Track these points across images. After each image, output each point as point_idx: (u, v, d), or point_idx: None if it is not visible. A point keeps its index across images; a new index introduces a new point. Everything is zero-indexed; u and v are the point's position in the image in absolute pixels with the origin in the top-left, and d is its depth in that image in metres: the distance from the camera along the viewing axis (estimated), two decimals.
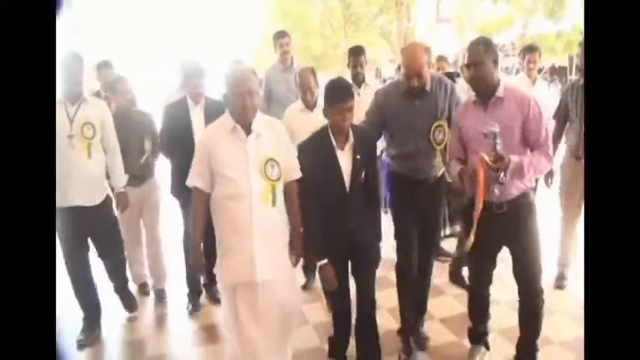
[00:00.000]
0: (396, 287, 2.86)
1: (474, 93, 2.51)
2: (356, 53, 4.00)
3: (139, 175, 3.61)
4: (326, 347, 2.82)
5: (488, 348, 2.77)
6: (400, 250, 2.79)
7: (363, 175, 2.44)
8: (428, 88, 2.65)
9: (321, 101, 3.23)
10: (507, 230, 2.43)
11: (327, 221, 2.38)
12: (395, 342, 2.97)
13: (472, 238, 2.42)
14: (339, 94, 2.34)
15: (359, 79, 3.93)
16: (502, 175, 2.27)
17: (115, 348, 3.23)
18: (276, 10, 18.40)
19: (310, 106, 3.37)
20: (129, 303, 3.49)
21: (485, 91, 2.43)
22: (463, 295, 3.40)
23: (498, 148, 2.25)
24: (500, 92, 2.42)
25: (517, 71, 4.63)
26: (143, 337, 3.34)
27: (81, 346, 3.16)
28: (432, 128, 2.65)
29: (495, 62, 2.41)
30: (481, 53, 2.39)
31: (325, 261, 2.38)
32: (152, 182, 3.74)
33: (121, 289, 3.47)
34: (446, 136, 2.67)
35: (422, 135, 2.66)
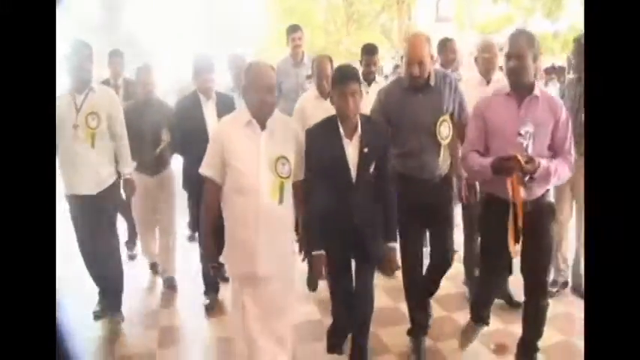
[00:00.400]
0: (404, 288, 2.85)
1: (499, 85, 2.43)
2: (369, 52, 3.94)
3: (153, 165, 3.67)
4: (325, 321, 2.99)
5: (488, 324, 2.83)
6: (405, 252, 2.75)
7: (372, 169, 2.37)
8: (432, 82, 2.63)
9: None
10: (527, 230, 2.35)
11: (331, 212, 2.32)
12: (389, 318, 3.20)
13: (518, 247, 2.35)
14: (341, 76, 2.32)
15: (370, 78, 3.89)
16: (527, 178, 2.23)
17: (130, 320, 3.44)
18: (283, 6, 18.55)
19: (325, 94, 3.29)
20: (113, 325, 3.32)
21: (522, 85, 2.34)
22: (456, 276, 3.63)
23: (530, 150, 2.21)
24: (537, 91, 2.34)
25: None
26: (157, 309, 3.59)
27: (97, 317, 3.35)
28: (438, 123, 2.61)
29: (535, 58, 2.33)
30: (524, 45, 2.30)
31: (321, 252, 2.36)
32: (167, 173, 3.78)
33: (111, 306, 3.32)
34: (451, 131, 2.66)
35: (426, 130, 2.61)
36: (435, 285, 2.95)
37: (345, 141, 2.33)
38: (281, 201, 2.26)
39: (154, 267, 4.12)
